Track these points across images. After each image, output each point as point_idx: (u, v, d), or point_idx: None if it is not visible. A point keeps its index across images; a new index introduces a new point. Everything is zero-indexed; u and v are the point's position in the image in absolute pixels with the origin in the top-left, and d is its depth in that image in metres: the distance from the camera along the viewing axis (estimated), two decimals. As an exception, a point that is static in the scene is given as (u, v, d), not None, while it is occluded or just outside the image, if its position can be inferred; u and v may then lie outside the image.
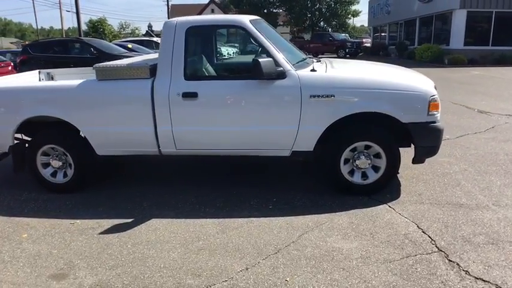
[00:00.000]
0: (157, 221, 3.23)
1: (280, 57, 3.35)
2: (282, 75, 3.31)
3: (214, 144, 3.58)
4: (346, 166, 3.51)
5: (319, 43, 24.81)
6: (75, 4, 18.86)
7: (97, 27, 55.20)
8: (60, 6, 34.97)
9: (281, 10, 41.26)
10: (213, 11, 55.92)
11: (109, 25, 57.34)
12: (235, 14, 48.79)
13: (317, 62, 3.95)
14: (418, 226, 3.01)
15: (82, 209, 3.50)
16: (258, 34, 3.37)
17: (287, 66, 3.34)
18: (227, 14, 53.10)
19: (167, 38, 3.42)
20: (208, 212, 3.38)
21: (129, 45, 14.28)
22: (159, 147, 3.60)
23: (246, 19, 3.44)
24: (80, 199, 3.68)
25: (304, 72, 3.37)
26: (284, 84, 3.33)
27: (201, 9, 55.60)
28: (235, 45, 11.75)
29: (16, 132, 3.72)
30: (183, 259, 2.69)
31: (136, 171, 4.51)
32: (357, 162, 3.49)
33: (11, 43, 58.11)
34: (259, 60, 3.07)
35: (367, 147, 3.45)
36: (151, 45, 16.64)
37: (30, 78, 4.35)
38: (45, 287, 2.42)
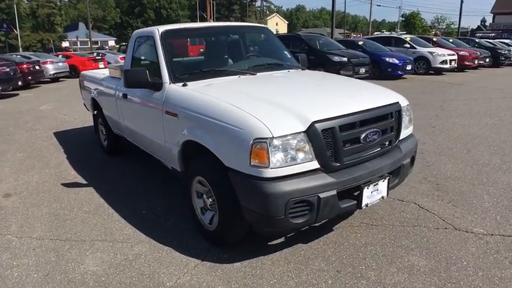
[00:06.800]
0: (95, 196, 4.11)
1: (163, 68, 3.22)
2: (158, 86, 3.20)
3: (139, 142, 3.94)
4: (200, 201, 2.97)
5: None
6: (332, 7, 20.19)
7: (409, 21, 55.48)
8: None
9: None
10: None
11: (421, 19, 56.16)
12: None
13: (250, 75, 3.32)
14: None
15: (88, 167, 4.86)
16: (158, 44, 3.35)
17: (165, 78, 3.18)
18: None
19: (128, 45, 4.04)
20: (115, 201, 3.80)
21: (360, 43, 14.24)
22: (123, 133, 4.38)
23: (158, 30, 3.45)
24: (101, 161, 5.08)
25: (173, 86, 3.09)
26: (156, 95, 3.22)
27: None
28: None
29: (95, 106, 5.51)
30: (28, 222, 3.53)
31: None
32: (204, 198, 2.88)
33: (339, 34, 66.95)
34: (125, 69, 3.18)
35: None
36: (400, 43, 15.57)
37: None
38: (-12, 197, 3.99)
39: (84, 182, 4.36)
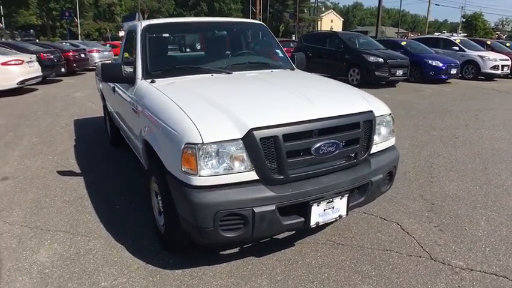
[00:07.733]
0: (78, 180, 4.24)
1: (139, 63, 3.18)
2: (132, 81, 3.17)
3: (124, 135, 3.97)
4: (156, 201, 2.90)
5: None
6: (378, 4, 18.97)
7: (470, 22, 51.80)
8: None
9: None
10: None
11: (484, 21, 52.35)
12: None
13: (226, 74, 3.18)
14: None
15: (89, 157, 5.01)
16: (138, 39, 3.31)
17: (138, 73, 3.14)
18: None
19: (122, 39, 4.06)
20: (96, 193, 3.87)
21: (403, 43, 13.41)
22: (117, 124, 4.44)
23: (141, 24, 3.41)
24: (103, 151, 5.22)
25: (143, 83, 3.03)
26: (130, 90, 3.20)
27: None
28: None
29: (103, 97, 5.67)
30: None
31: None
32: (158, 199, 2.81)
33: (395, 32, 64.04)
34: (101, 64, 3.18)
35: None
36: (448, 45, 14.41)
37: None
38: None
39: (78, 171, 4.49)
